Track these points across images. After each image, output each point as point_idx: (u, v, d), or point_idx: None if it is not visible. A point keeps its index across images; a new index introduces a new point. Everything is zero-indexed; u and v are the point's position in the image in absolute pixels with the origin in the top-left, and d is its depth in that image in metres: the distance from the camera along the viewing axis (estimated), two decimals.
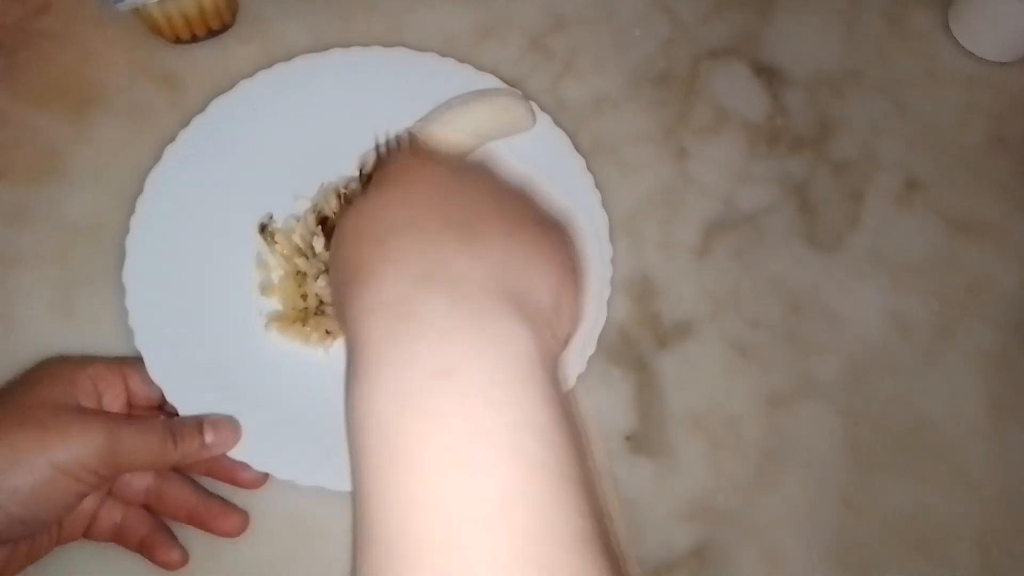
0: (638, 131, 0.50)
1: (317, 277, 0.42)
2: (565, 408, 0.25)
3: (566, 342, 0.30)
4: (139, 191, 0.42)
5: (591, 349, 0.41)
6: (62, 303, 0.43)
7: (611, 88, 0.51)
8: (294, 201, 0.44)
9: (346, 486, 0.37)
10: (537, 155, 0.45)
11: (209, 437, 0.36)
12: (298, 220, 0.43)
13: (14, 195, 0.45)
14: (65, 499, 0.33)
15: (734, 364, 0.45)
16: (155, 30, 0.48)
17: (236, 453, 0.37)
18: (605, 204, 0.44)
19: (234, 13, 0.50)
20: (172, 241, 0.42)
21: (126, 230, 0.41)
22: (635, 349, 0.44)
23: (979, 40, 0.53)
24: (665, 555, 0.40)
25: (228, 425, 0.37)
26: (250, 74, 0.45)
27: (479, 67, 0.47)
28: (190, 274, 0.41)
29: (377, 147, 0.43)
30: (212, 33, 0.49)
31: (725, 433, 0.43)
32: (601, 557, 0.22)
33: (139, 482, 0.37)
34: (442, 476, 0.23)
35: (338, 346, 0.41)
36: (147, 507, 0.38)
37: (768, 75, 0.52)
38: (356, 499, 0.24)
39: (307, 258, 0.42)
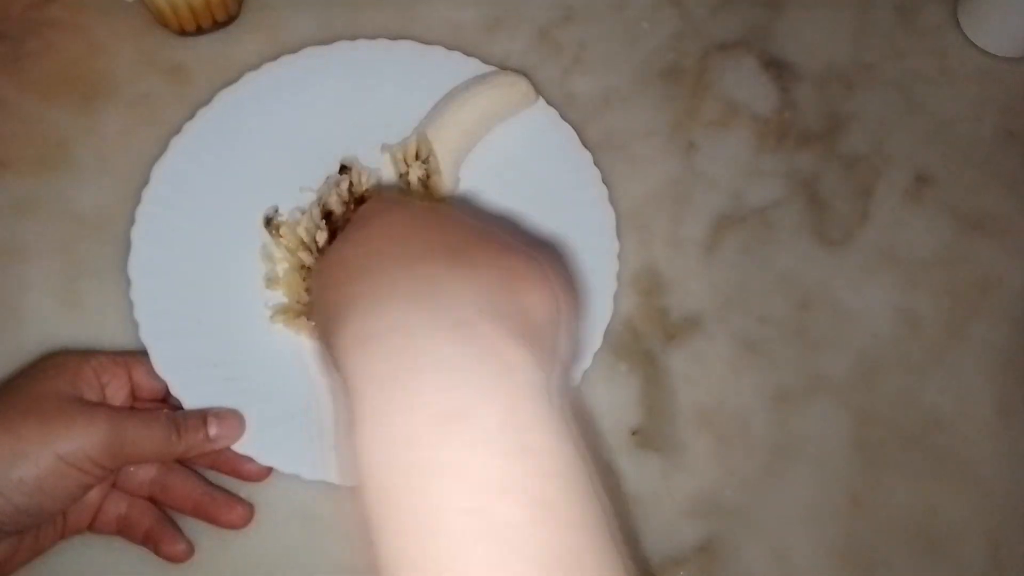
0: (646, 125, 0.50)
1: None
2: (575, 438, 0.24)
3: (570, 357, 0.28)
4: (145, 182, 0.42)
5: (596, 344, 0.41)
6: (68, 295, 0.43)
7: (620, 81, 0.51)
8: (300, 193, 0.44)
9: (350, 480, 0.37)
10: (544, 150, 0.45)
11: (213, 430, 0.36)
12: (303, 213, 0.43)
13: (20, 186, 0.45)
14: (70, 490, 0.33)
15: (742, 359, 0.44)
16: (161, 21, 0.48)
17: (240, 446, 0.37)
18: (613, 198, 0.44)
19: (240, 4, 0.49)
20: (178, 233, 0.42)
21: (132, 222, 0.41)
22: (642, 344, 0.44)
23: (988, 35, 0.53)
24: (672, 551, 0.40)
25: (232, 418, 0.37)
26: (256, 66, 0.45)
27: (487, 59, 0.47)
28: (196, 266, 0.41)
29: (339, 184, 0.43)
30: (218, 25, 0.49)
31: (733, 429, 0.43)
32: None
33: (144, 474, 0.37)
34: (474, 546, 0.21)
35: None
36: (152, 499, 0.38)
37: (778, 69, 0.52)
38: (378, 561, 0.22)
39: (311, 252, 0.42)
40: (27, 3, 0.49)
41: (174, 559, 0.37)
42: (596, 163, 0.45)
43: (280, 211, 0.43)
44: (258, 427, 0.38)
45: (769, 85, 0.51)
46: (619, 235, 0.43)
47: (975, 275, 0.47)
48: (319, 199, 0.43)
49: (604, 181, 0.44)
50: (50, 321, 0.42)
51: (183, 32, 0.48)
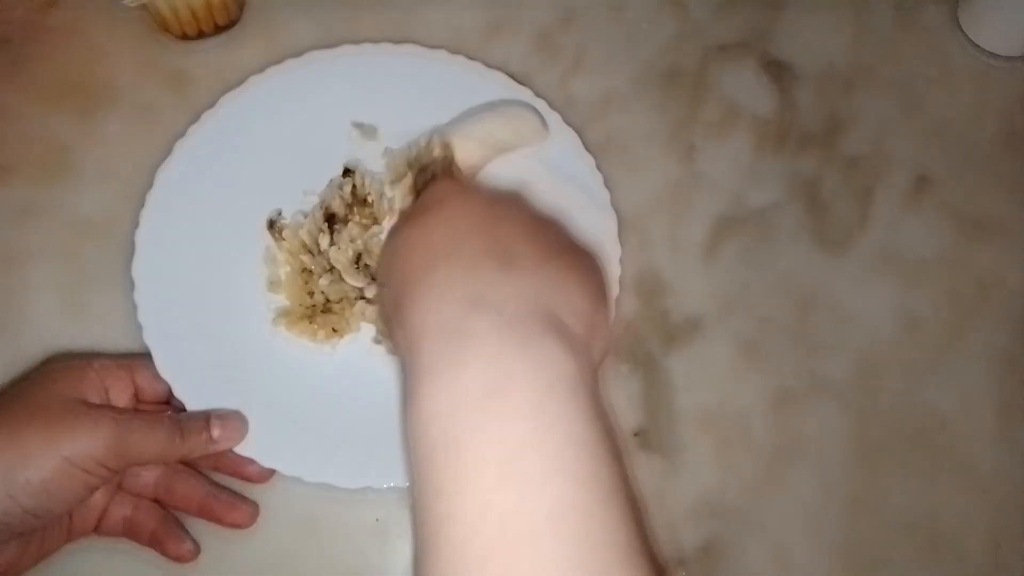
0: (647, 128, 0.50)
1: (322, 275, 0.42)
2: (606, 424, 0.27)
3: (601, 360, 0.32)
4: (148, 187, 0.42)
5: None
6: (71, 300, 0.43)
7: (620, 84, 0.51)
8: (303, 197, 0.44)
9: (352, 483, 0.37)
10: (547, 153, 0.45)
11: (216, 432, 0.36)
12: (306, 216, 0.43)
13: (23, 192, 0.45)
14: (75, 491, 0.33)
15: (743, 362, 0.44)
16: (162, 26, 0.48)
17: (242, 449, 0.37)
18: (614, 202, 0.44)
19: (241, 8, 0.50)
20: (181, 236, 0.42)
21: (135, 226, 0.41)
22: (643, 346, 0.44)
23: (989, 35, 0.53)
24: (673, 552, 0.40)
25: (235, 420, 0.37)
26: (260, 69, 0.46)
27: (488, 63, 0.47)
28: (199, 269, 0.41)
29: (342, 187, 0.44)
30: (219, 29, 0.49)
31: (733, 431, 0.43)
32: (648, 568, 0.24)
33: (148, 476, 0.38)
34: (500, 488, 0.25)
35: (345, 344, 0.42)
36: (157, 501, 0.38)
37: (778, 70, 0.52)
38: (418, 507, 0.26)
39: (313, 255, 0.42)
40: (28, 9, 0.49)
41: (180, 559, 0.37)
42: (597, 168, 0.45)
43: (283, 214, 0.43)
44: (260, 429, 0.38)
45: (769, 86, 0.51)
46: (620, 239, 0.43)
47: (975, 276, 0.47)
48: (322, 202, 0.43)
49: (605, 185, 0.45)
50: (53, 326, 0.42)
51: (184, 37, 0.48)
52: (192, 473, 0.38)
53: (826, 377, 0.44)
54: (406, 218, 0.36)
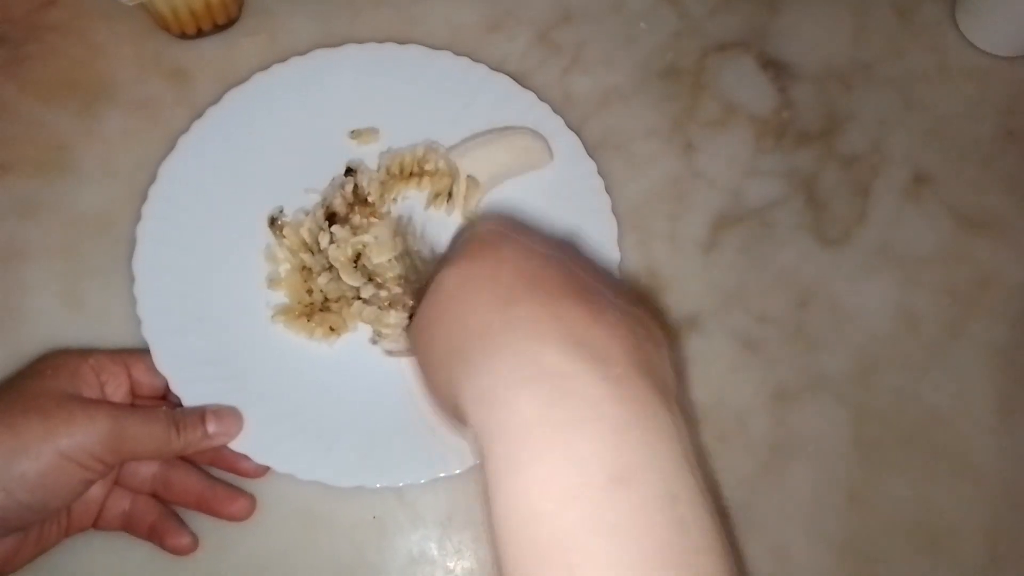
0: (645, 125, 0.50)
1: (321, 273, 0.42)
2: (713, 497, 0.24)
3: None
4: (147, 184, 0.42)
5: None
6: (70, 295, 0.43)
7: (618, 81, 0.51)
8: (305, 194, 0.44)
9: (344, 482, 0.37)
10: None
11: (212, 427, 0.36)
12: (307, 214, 0.43)
13: (23, 188, 0.45)
14: (72, 486, 0.33)
15: (741, 358, 0.44)
16: (162, 25, 0.48)
17: (237, 445, 0.37)
18: (612, 197, 0.44)
19: (240, 7, 0.50)
20: (182, 231, 0.42)
21: (134, 223, 0.41)
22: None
23: (986, 34, 0.53)
24: None
25: (231, 415, 0.37)
26: (260, 67, 0.46)
27: (488, 62, 0.47)
28: (200, 264, 0.42)
29: (344, 186, 0.43)
30: (218, 28, 0.49)
31: (732, 427, 0.43)
32: None
33: (146, 470, 0.38)
34: None
35: (342, 343, 0.42)
36: (154, 495, 0.38)
37: (776, 68, 0.52)
38: None
39: (313, 253, 0.42)
40: (28, 7, 0.49)
41: (179, 552, 0.37)
42: (599, 173, 0.45)
43: (285, 212, 0.44)
44: (255, 426, 0.38)
45: (767, 85, 0.51)
46: (619, 244, 0.43)
47: (973, 273, 0.47)
48: (323, 201, 0.44)
49: (606, 191, 0.44)
50: (52, 322, 0.42)
51: (183, 35, 0.48)
52: (189, 467, 0.38)
53: (824, 373, 0.44)
54: (449, 261, 0.30)
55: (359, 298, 0.41)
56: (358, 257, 0.42)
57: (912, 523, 0.42)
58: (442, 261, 0.33)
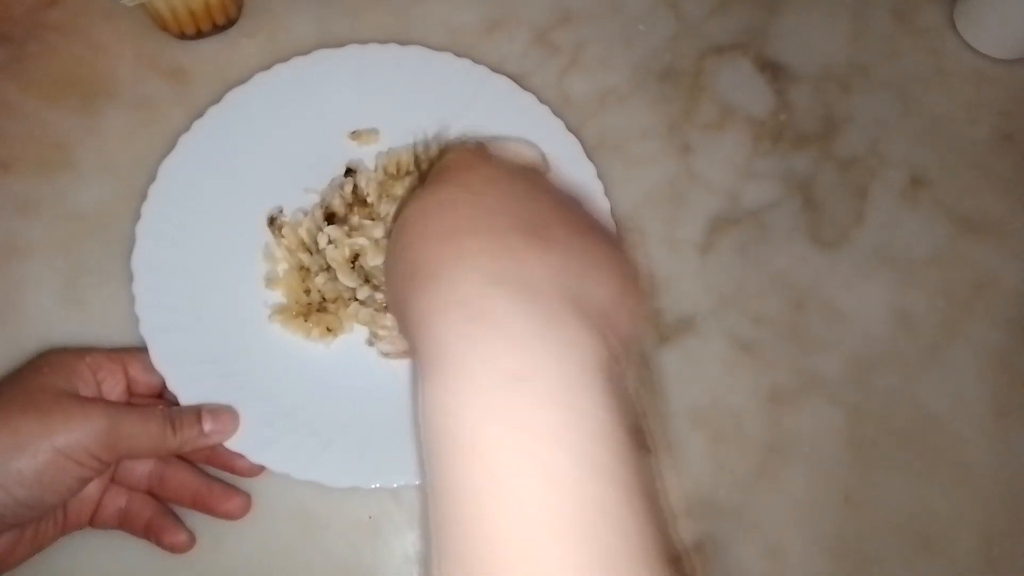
0: (643, 126, 0.50)
1: (318, 273, 0.42)
2: (632, 415, 0.26)
3: (627, 343, 0.29)
4: (146, 183, 0.42)
5: None
6: (69, 294, 0.43)
7: (616, 83, 0.51)
8: (304, 194, 0.44)
9: (340, 482, 0.37)
10: (549, 159, 0.45)
11: (208, 425, 0.36)
12: (306, 214, 0.43)
13: (22, 186, 0.45)
14: (68, 483, 0.33)
15: (737, 360, 0.45)
16: (161, 25, 0.48)
17: (233, 444, 0.37)
18: (610, 199, 0.44)
19: (239, 8, 0.50)
20: (182, 230, 0.42)
21: (133, 221, 0.41)
22: (637, 344, 0.44)
23: (984, 37, 0.53)
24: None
25: (227, 414, 0.37)
26: (260, 67, 0.46)
27: (486, 63, 0.47)
28: (198, 263, 0.42)
29: (343, 187, 0.43)
30: (217, 28, 0.49)
31: (726, 428, 0.43)
32: (668, 571, 0.23)
33: (142, 467, 0.38)
34: (524, 484, 0.23)
35: (338, 344, 0.42)
36: (150, 493, 0.38)
37: (773, 71, 0.52)
38: (433, 498, 0.24)
39: (311, 253, 0.42)
40: (29, 6, 0.49)
41: (176, 549, 0.37)
42: (599, 177, 0.45)
43: (284, 212, 0.44)
44: (251, 425, 0.38)
45: (765, 87, 0.52)
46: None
47: (970, 276, 0.47)
48: (322, 201, 0.44)
49: (606, 195, 0.44)
50: (52, 320, 0.42)
51: (183, 36, 0.49)
52: (185, 464, 0.39)
53: (819, 375, 0.44)
54: (422, 186, 0.32)
55: (356, 299, 0.42)
56: (356, 258, 0.42)
57: (907, 524, 0.42)
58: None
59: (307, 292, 0.42)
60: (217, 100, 0.44)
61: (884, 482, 0.43)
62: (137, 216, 0.41)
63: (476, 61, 0.47)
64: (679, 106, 0.51)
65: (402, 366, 0.41)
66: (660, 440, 0.43)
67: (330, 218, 0.43)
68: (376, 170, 0.44)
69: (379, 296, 0.42)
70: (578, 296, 0.27)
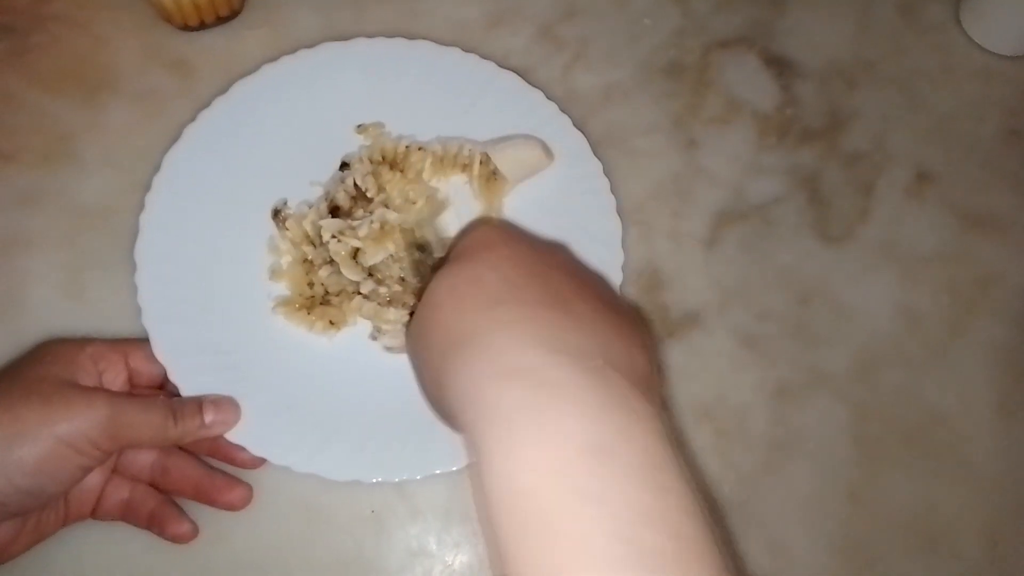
0: (648, 121, 0.50)
1: (322, 266, 0.42)
2: (691, 479, 0.25)
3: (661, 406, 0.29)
4: (149, 175, 0.42)
5: None
6: (72, 286, 0.43)
7: (621, 78, 0.51)
8: (309, 187, 0.44)
9: (341, 476, 0.37)
10: (556, 156, 0.45)
11: (209, 416, 0.36)
12: (310, 207, 0.43)
13: (25, 178, 0.45)
14: (70, 472, 0.33)
15: (741, 356, 0.44)
16: (165, 17, 0.48)
17: (234, 436, 0.37)
18: (615, 194, 0.44)
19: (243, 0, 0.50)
20: (186, 221, 0.42)
21: (136, 213, 0.41)
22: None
23: (990, 33, 0.53)
24: None
25: (228, 405, 0.37)
26: (264, 59, 0.45)
27: (491, 57, 0.47)
28: (202, 254, 0.42)
29: (344, 180, 0.43)
30: (221, 20, 0.49)
31: (732, 424, 0.43)
32: None
33: (144, 459, 0.38)
34: (617, 567, 0.22)
35: (341, 337, 0.41)
36: (152, 484, 0.38)
37: (779, 66, 0.52)
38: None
39: (315, 246, 0.42)
40: None
41: (179, 539, 0.37)
42: (605, 173, 0.44)
43: (288, 204, 0.44)
44: (252, 417, 0.38)
45: (770, 82, 0.51)
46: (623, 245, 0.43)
47: (975, 272, 0.47)
48: (326, 194, 0.43)
49: (611, 191, 0.44)
50: (54, 311, 0.42)
51: (186, 27, 0.48)
52: (187, 455, 0.38)
53: (825, 371, 0.44)
54: (446, 267, 0.32)
55: (359, 293, 0.41)
56: (357, 251, 0.42)
57: (911, 521, 0.42)
58: (439, 265, 0.35)
59: (311, 285, 0.42)
60: (221, 92, 0.44)
61: (889, 479, 0.42)
62: (140, 207, 0.41)
63: (482, 56, 0.47)
64: (684, 101, 0.50)
65: (405, 360, 0.41)
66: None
67: (335, 211, 0.43)
68: (362, 161, 0.44)
69: (382, 290, 0.41)
70: (625, 367, 0.27)
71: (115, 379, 0.37)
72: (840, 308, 0.46)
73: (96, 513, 0.37)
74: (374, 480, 0.38)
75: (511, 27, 0.51)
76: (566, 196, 0.44)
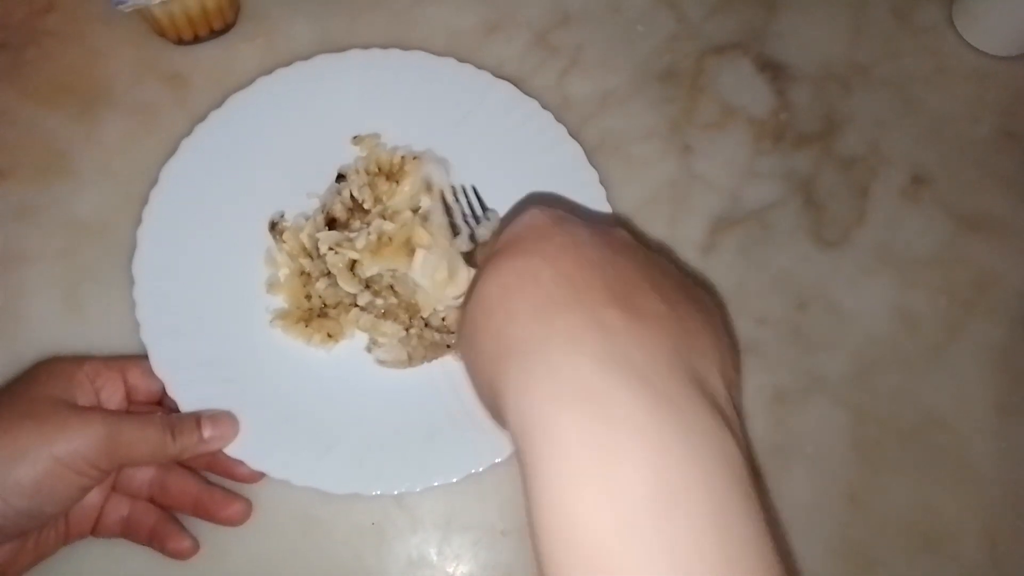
0: (643, 127, 0.50)
1: (319, 278, 0.42)
2: (768, 508, 0.24)
3: (739, 412, 0.27)
4: (145, 188, 0.42)
5: None
6: (69, 300, 0.43)
7: (616, 84, 0.51)
8: (306, 199, 0.44)
9: (340, 489, 0.37)
10: (552, 166, 0.45)
11: (207, 431, 0.36)
12: (307, 219, 0.43)
13: (21, 193, 0.45)
14: (68, 492, 0.33)
15: (740, 360, 0.44)
16: (158, 31, 0.48)
17: (233, 451, 0.37)
18: (610, 200, 0.44)
19: (236, 13, 0.50)
20: (183, 234, 0.42)
21: (132, 227, 0.41)
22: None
23: (984, 35, 0.53)
24: None
25: (226, 420, 0.37)
26: (259, 71, 0.45)
27: (485, 65, 0.47)
28: (200, 267, 0.42)
29: (340, 192, 0.42)
30: (215, 33, 0.49)
31: None
32: None
33: (143, 476, 0.38)
34: None
35: (339, 350, 0.41)
36: (152, 500, 0.38)
37: (773, 70, 0.52)
38: None
39: (312, 259, 0.42)
40: (27, 13, 0.49)
41: (180, 555, 0.37)
42: (601, 183, 0.44)
43: (286, 216, 0.44)
44: (250, 431, 0.38)
45: (765, 87, 0.51)
46: None
47: (972, 274, 0.47)
48: (323, 206, 0.43)
49: (607, 201, 0.44)
50: (52, 327, 0.42)
51: (180, 41, 0.48)
52: (186, 472, 0.38)
53: (823, 375, 0.44)
54: (495, 256, 0.30)
55: (357, 305, 0.41)
56: (354, 264, 0.42)
57: (911, 524, 0.42)
58: (490, 247, 0.33)
59: (308, 297, 0.42)
60: (216, 105, 0.44)
61: (888, 482, 0.42)
62: (137, 221, 0.41)
63: (477, 66, 0.47)
64: (679, 107, 0.50)
65: (401, 374, 0.41)
66: None
67: (331, 223, 0.43)
68: (358, 172, 0.44)
69: (379, 302, 0.41)
70: (696, 376, 0.25)
71: (113, 396, 0.37)
72: (837, 312, 0.46)
73: (96, 530, 0.37)
74: (374, 493, 0.38)
75: (505, 35, 0.51)
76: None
